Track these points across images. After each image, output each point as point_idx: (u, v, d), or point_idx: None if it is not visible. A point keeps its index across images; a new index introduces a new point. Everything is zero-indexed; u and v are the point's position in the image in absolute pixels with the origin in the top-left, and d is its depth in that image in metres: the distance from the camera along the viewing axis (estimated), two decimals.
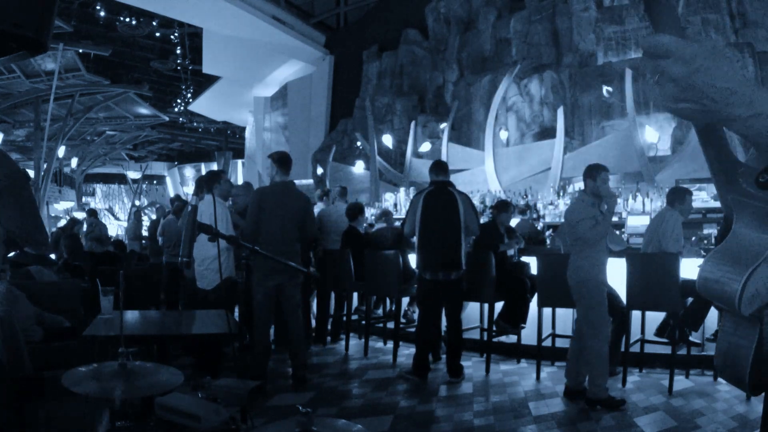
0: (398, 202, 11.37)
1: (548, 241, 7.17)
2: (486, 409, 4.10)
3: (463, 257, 4.73)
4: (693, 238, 6.17)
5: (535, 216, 8.85)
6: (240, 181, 25.11)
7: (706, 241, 6.29)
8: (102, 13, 19.05)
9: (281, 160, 4.70)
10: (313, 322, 6.61)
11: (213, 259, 4.74)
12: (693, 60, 0.80)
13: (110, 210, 30.15)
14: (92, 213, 10.75)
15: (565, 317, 5.34)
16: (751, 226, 1.10)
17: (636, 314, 4.78)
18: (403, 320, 5.96)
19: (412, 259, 5.16)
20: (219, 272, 4.56)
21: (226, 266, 4.71)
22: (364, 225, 6.69)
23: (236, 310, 5.59)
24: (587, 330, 4.03)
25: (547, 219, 8.92)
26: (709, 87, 0.81)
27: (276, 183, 4.70)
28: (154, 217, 12.28)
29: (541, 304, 4.88)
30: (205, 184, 4.92)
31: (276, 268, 4.44)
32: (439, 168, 4.95)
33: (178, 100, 25.86)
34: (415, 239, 4.90)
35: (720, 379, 4.48)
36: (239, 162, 25.98)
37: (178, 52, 21.86)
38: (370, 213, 10.72)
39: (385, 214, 6.98)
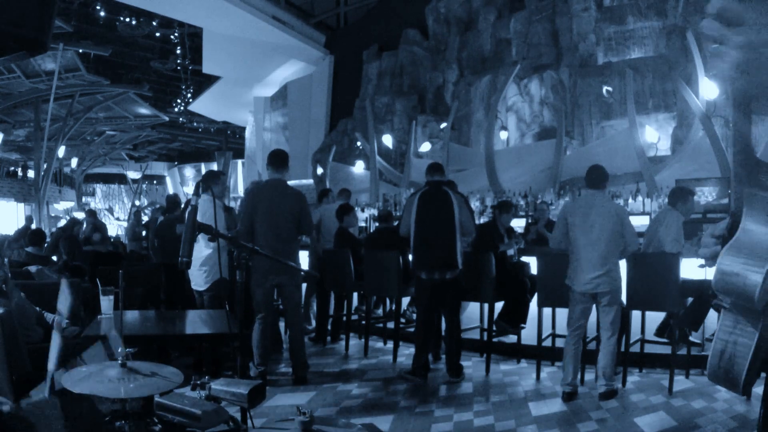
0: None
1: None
2: (486, 409, 4.09)
3: (459, 257, 4.68)
4: (693, 238, 6.16)
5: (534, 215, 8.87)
6: (240, 182, 25.20)
7: None
8: (102, 13, 19.08)
9: (273, 159, 4.66)
10: (313, 322, 6.61)
11: (203, 260, 4.73)
12: None
13: (110, 210, 30.13)
14: (90, 213, 10.70)
15: (565, 317, 5.33)
16: (760, 221, 1.13)
17: (636, 314, 4.78)
18: (402, 320, 5.96)
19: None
20: (219, 271, 4.56)
21: (218, 267, 4.68)
22: (357, 225, 6.59)
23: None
24: (611, 332, 4.26)
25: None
26: None
27: (267, 181, 4.68)
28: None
29: (541, 304, 4.88)
30: (203, 183, 4.91)
31: (274, 268, 4.43)
32: (434, 169, 4.93)
33: (178, 100, 25.89)
34: (411, 239, 4.89)
35: None
36: (239, 162, 25.98)
37: (178, 52, 21.89)
38: (369, 213, 10.72)
39: (387, 215, 6.97)
